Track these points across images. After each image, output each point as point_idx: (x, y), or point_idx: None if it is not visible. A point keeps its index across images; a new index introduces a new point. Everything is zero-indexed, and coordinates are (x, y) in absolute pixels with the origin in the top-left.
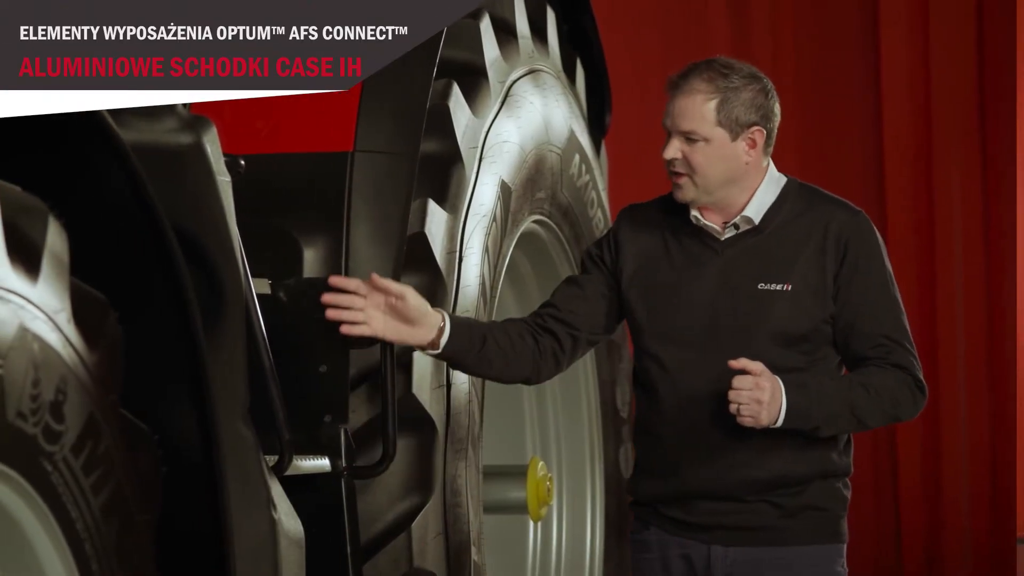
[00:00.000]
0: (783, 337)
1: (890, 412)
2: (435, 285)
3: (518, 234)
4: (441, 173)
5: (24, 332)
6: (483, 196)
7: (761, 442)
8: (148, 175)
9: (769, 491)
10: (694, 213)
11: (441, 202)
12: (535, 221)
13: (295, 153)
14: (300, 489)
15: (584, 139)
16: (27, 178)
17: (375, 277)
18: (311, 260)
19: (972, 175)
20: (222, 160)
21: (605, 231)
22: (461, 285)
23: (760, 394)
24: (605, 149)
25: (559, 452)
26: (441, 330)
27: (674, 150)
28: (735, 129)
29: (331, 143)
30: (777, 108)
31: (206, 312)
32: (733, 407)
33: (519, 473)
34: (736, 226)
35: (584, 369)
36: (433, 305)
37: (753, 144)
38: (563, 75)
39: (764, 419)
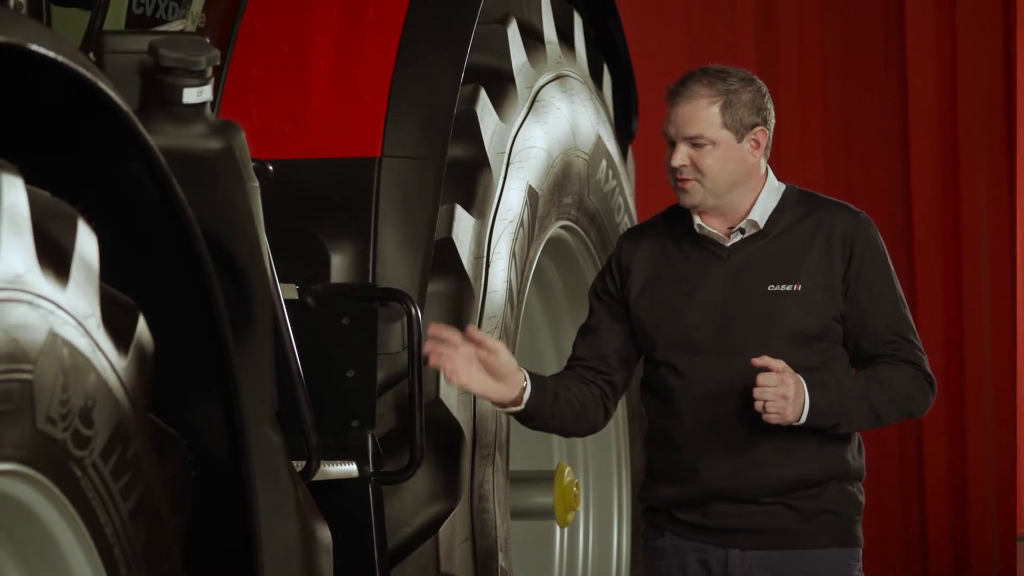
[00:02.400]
0: (797, 336)
1: (905, 407)
2: (462, 291)
3: (545, 239)
4: (468, 178)
5: (54, 337)
6: (510, 201)
7: (779, 443)
8: (177, 180)
9: (786, 493)
10: (698, 221)
11: (468, 207)
12: (562, 226)
13: (323, 158)
14: (328, 494)
15: (611, 144)
16: (56, 183)
17: (471, 329)
18: (338, 265)
19: (998, 179)
20: (251, 165)
21: (606, 261)
22: (488, 291)
23: (785, 390)
24: (632, 154)
25: (586, 457)
26: (524, 388)
27: (682, 157)
28: (740, 130)
29: (359, 148)
30: (773, 109)
31: (234, 317)
32: (759, 404)
33: (546, 479)
34: (742, 230)
35: None
36: (461, 311)
37: (757, 145)
38: (590, 80)
39: (790, 415)
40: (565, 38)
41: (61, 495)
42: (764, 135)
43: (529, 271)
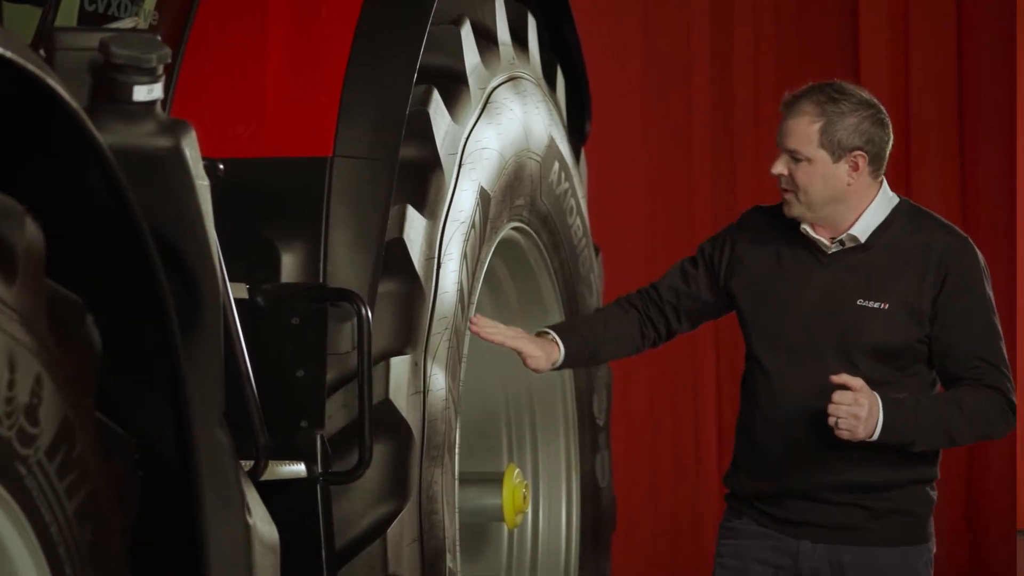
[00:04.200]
0: (878, 352)
1: (981, 431)
2: (413, 291)
3: (497, 241)
4: (420, 179)
5: None
6: (462, 202)
7: (853, 451)
8: (126, 178)
9: (858, 493)
10: (804, 226)
11: (420, 208)
12: (514, 228)
13: (274, 158)
14: (276, 494)
15: (564, 146)
16: (3, 180)
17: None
18: (289, 265)
19: (951, 181)
20: (201, 164)
21: (728, 227)
22: (439, 291)
23: (859, 410)
24: (585, 157)
25: (535, 459)
26: (554, 340)
27: (781, 166)
28: (837, 152)
29: (311, 148)
30: (886, 135)
31: (183, 316)
32: (831, 420)
33: (495, 480)
34: (842, 242)
35: (561, 377)
36: (411, 312)
37: (856, 167)
38: (543, 82)
39: (861, 433)
40: (519, 39)
41: (5, 493)
42: (864, 159)
43: (480, 272)
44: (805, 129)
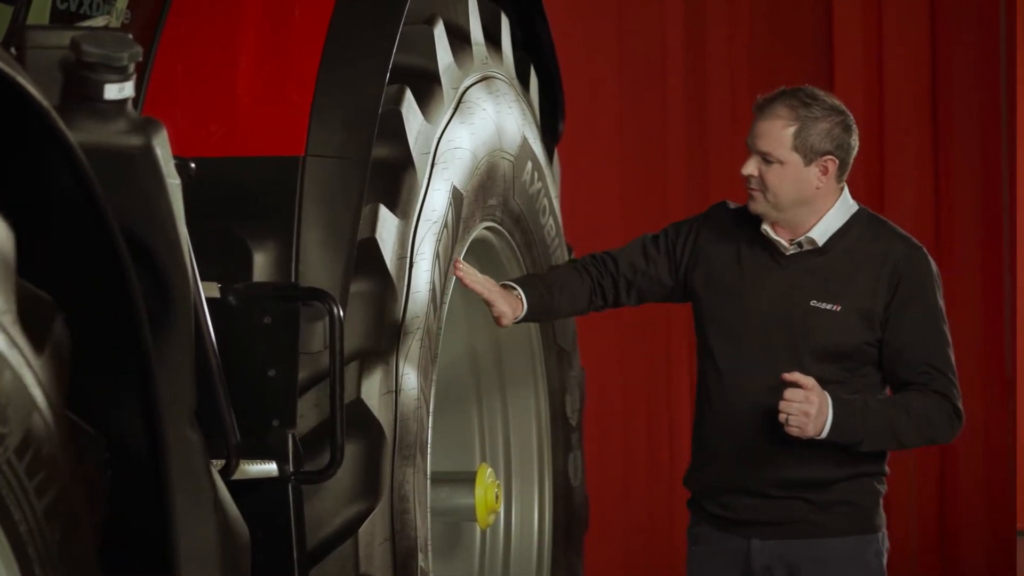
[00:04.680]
0: (828, 353)
1: (927, 435)
2: (385, 291)
3: (469, 240)
4: (393, 179)
5: None
6: (435, 202)
7: (802, 448)
8: (97, 176)
9: (801, 489)
10: (764, 227)
11: (392, 208)
12: (486, 228)
13: (246, 157)
14: (247, 493)
15: (537, 146)
16: None
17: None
18: (261, 264)
19: (925, 182)
20: (172, 162)
21: (695, 217)
22: (411, 291)
23: (809, 407)
24: (558, 156)
25: (507, 459)
26: (518, 295)
27: (752, 167)
28: (809, 155)
29: (283, 147)
30: (854, 141)
31: (154, 315)
32: (782, 416)
33: (467, 480)
34: (800, 244)
35: (533, 377)
36: (383, 311)
37: (825, 171)
38: (516, 82)
39: (810, 431)
40: (492, 39)
41: None
42: (834, 164)
43: (453, 272)
44: (779, 132)
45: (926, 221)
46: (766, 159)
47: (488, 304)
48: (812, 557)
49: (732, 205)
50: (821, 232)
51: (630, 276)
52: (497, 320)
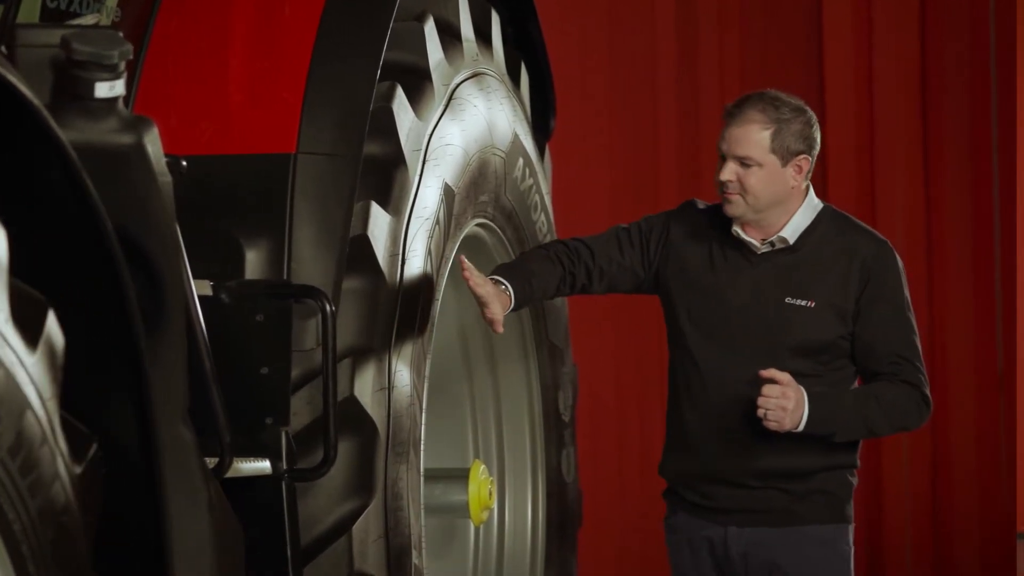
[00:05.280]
0: (803, 348)
1: (898, 423)
2: (377, 287)
3: (461, 237)
4: (384, 176)
5: None
6: (426, 199)
7: (779, 440)
8: (89, 175)
9: (778, 479)
10: (735, 228)
11: (384, 204)
12: (478, 224)
13: (238, 155)
14: (241, 491)
15: (528, 143)
16: None
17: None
18: (253, 262)
19: (915, 177)
20: (164, 160)
21: (668, 211)
22: (404, 288)
23: (786, 402)
24: (549, 152)
25: (501, 456)
26: (506, 290)
27: (730, 172)
28: (785, 156)
29: (274, 145)
30: (819, 138)
31: (147, 313)
32: (760, 411)
33: (461, 476)
34: (772, 243)
35: (526, 373)
36: (376, 308)
37: (799, 170)
38: (507, 78)
39: (787, 424)
40: (483, 36)
41: None
42: (807, 162)
43: (445, 268)
44: (756, 136)
45: (917, 220)
46: (744, 163)
47: (482, 305)
48: (790, 543)
49: (701, 205)
50: (792, 231)
51: (605, 266)
52: (491, 325)
